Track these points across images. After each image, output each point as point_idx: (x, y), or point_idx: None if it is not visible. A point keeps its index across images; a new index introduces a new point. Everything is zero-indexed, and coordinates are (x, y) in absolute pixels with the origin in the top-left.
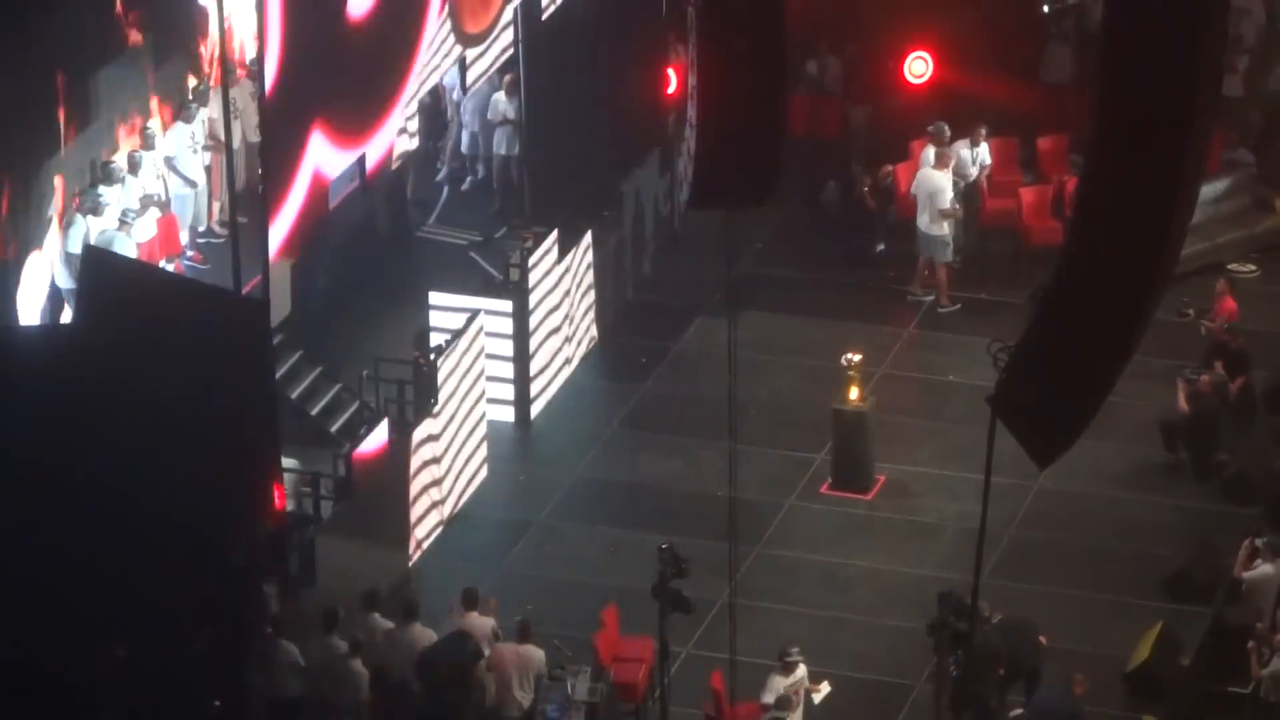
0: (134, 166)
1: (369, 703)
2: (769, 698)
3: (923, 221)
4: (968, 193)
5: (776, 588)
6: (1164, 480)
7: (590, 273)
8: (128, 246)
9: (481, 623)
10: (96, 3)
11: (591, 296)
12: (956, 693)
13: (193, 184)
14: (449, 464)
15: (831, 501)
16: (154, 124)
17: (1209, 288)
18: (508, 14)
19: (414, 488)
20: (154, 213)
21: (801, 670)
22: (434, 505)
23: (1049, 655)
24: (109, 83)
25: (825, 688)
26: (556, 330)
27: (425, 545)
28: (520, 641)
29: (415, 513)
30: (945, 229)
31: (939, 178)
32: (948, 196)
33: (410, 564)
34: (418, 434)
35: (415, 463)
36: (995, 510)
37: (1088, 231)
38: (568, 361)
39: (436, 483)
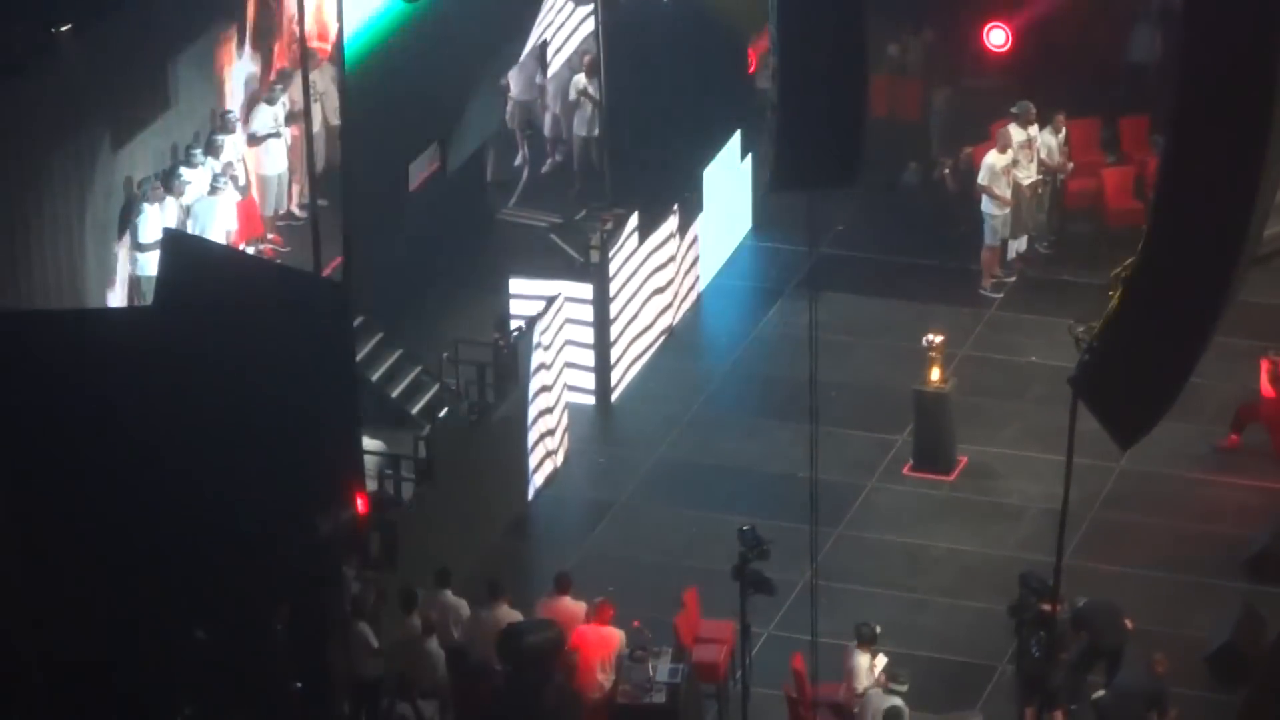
0: (214, 150)
1: (448, 683)
2: (864, 682)
3: (983, 200)
4: (1053, 179)
5: (858, 569)
6: (1246, 461)
7: (672, 253)
8: (222, 210)
9: (575, 608)
10: None
11: (673, 277)
12: (1026, 674)
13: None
14: (548, 429)
15: (913, 483)
16: (234, 108)
17: None
18: None
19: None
20: (234, 195)
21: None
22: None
23: (1131, 636)
24: (189, 66)
25: (882, 659)
26: (638, 312)
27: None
28: (601, 623)
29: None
30: (991, 208)
31: (989, 157)
32: (989, 176)
33: (491, 545)
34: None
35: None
36: (1077, 491)
37: (1170, 213)
38: (650, 342)
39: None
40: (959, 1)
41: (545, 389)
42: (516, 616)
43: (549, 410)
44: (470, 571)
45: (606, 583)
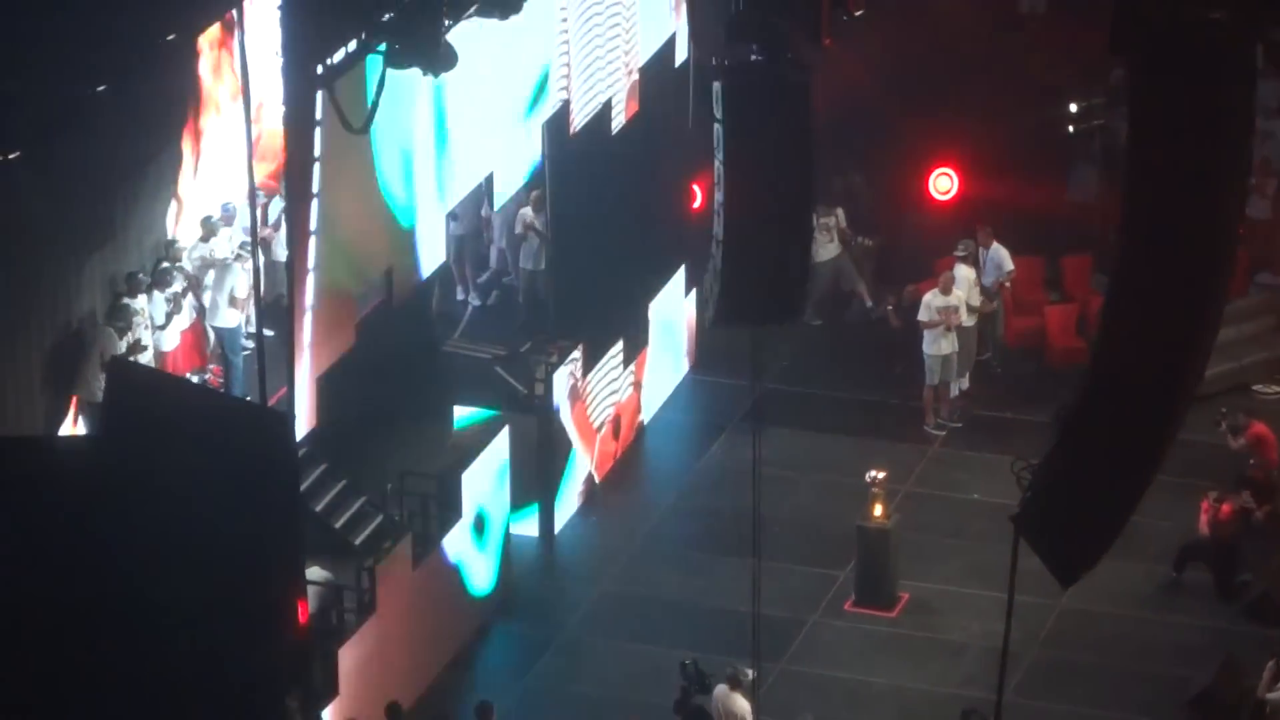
0: (161, 280)
1: None
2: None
3: (924, 339)
4: (993, 297)
5: (800, 705)
6: (1188, 601)
7: (614, 388)
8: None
9: None
10: (126, 116)
11: (615, 411)
12: None
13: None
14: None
15: (855, 619)
16: (181, 237)
17: (1236, 407)
18: (536, 130)
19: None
20: (179, 322)
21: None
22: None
23: None
24: (138, 194)
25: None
26: (581, 444)
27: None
28: None
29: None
30: (929, 348)
31: (928, 295)
32: (927, 313)
33: (434, 678)
34: (447, 543)
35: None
36: (1018, 629)
37: (1112, 351)
38: (592, 476)
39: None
40: (905, 139)
41: (489, 520)
42: None
43: (494, 541)
44: (413, 704)
45: (549, 717)
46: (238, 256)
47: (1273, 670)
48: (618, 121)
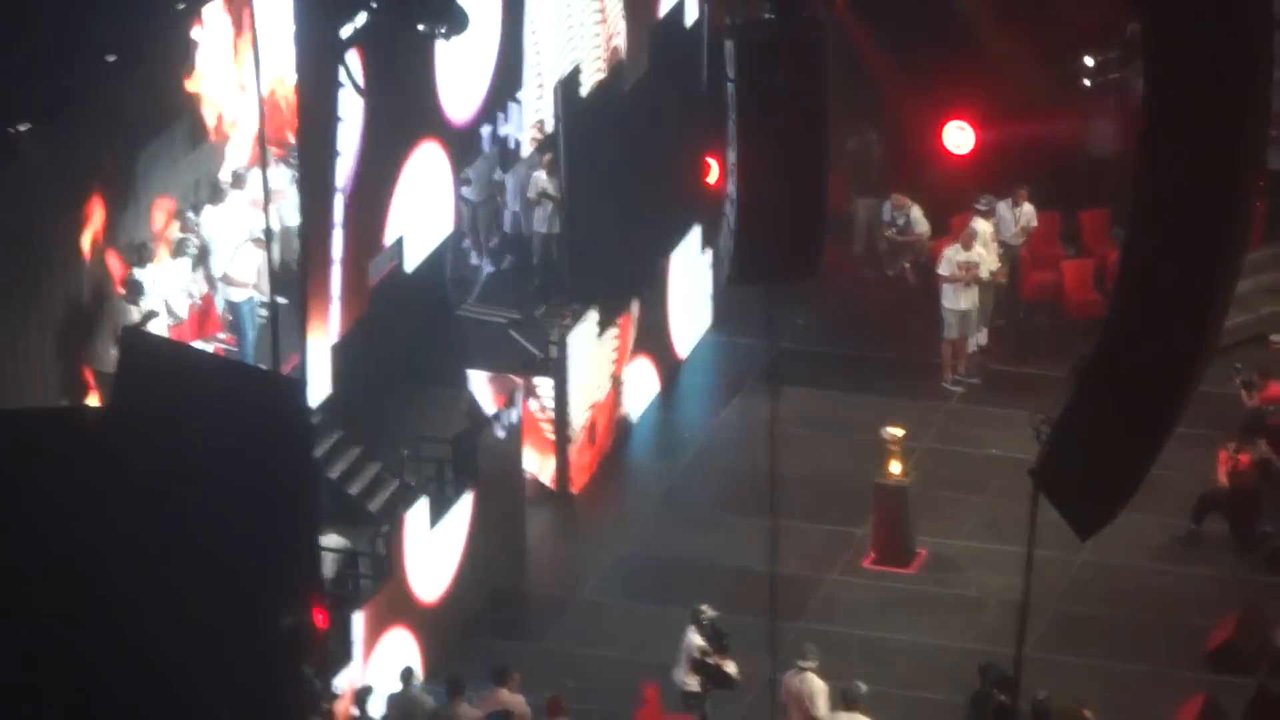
0: (176, 250)
1: None
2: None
3: (943, 294)
4: (1010, 259)
5: (819, 663)
6: (1207, 552)
7: (631, 349)
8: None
9: (512, 699)
10: (136, 86)
11: (632, 373)
12: None
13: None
14: (491, 538)
15: (873, 576)
16: (190, 209)
17: (1253, 359)
18: (549, 91)
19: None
20: (192, 291)
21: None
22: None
23: None
24: (149, 164)
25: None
26: (597, 407)
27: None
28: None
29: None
30: (947, 301)
31: (949, 250)
32: (948, 267)
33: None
34: (459, 506)
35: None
36: (1037, 583)
37: (1130, 304)
38: (608, 437)
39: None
40: (919, 95)
41: (506, 482)
42: (476, 715)
43: (510, 504)
44: (431, 668)
45: (566, 678)
46: (255, 239)
47: None
48: (628, 83)
